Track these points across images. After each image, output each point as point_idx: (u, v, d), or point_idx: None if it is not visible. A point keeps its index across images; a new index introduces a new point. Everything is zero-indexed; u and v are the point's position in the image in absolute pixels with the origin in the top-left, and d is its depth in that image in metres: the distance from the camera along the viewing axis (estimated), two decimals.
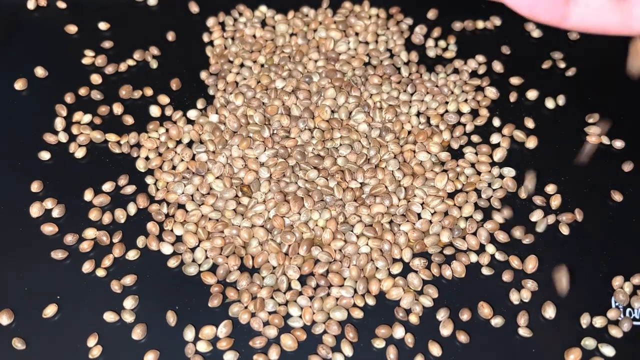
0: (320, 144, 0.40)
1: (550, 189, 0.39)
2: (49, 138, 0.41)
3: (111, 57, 0.45)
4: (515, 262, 0.36)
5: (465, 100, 0.43)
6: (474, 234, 0.37)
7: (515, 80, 0.44)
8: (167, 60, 0.45)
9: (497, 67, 0.44)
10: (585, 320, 0.34)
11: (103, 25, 0.46)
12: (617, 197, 0.38)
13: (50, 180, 0.39)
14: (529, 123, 0.42)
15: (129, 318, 0.34)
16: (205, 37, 0.46)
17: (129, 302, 0.35)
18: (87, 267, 0.36)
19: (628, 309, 0.35)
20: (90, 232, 0.37)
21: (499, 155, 0.40)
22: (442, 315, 0.34)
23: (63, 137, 0.41)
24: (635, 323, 0.34)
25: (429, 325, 0.34)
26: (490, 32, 0.47)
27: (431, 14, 0.47)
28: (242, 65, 0.44)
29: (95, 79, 0.44)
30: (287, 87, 0.42)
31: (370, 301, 0.35)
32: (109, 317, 0.34)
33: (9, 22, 0.47)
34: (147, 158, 0.40)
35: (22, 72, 0.44)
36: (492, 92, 0.43)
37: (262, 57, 0.45)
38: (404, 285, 0.36)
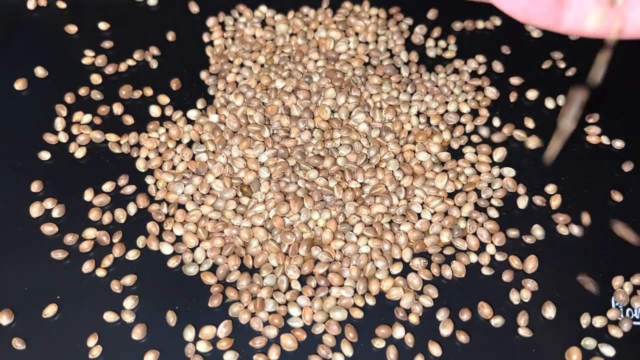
0: (320, 144, 0.40)
1: (550, 189, 0.39)
2: (49, 138, 0.41)
3: (111, 57, 0.45)
4: (515, 262, 0.36)
5: (465, 100, 0.43)
6: (474, 234, 0.37)
7: (515, 80, 0.44)
8: (167, 60, 0.45)
9: (497, 67, 0.44)
10: (585, 320, 0.34)
11: (103, 25, 0.46)
12: (617, 197, 0.38)
13: (50, 180, 0.39)
14: (529, 123, 0.42)
15: (129, 318, 0.34)
16: (205, 37, 0.46)
17: (129, 302, 0.35)
18: (87, 267, 0.36)
19: (628, 309, 0.35)
20: (90, 232, 0.37)
21: (499, 155, 0.40)
22: (442, 315, 0.34)
23: (63, 137, 0.41)
24: (635, 323, 0.34)
25: (429, 325, 0.34)
26: (490, 32, 0.47)
27: (431, 14, 0.47)
28: (242, 65, 0.44)
29: (95, 79, 0.44)
30: (287, 87, 0.42)
31: (370, 301, 0.35)
32: (109, 317, 0.34)
33: (9, 22, 0.47)
34: (147, 158, 0.40)
35: (22, 72, 0.44)
36: (492, 92, 0.43)
37: (262, 57, 0.45)
38: (404, 285, 0.36)
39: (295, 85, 0.42)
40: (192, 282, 0.36)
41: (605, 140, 0.41)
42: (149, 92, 0.43)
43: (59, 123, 0.41)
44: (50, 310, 0.34)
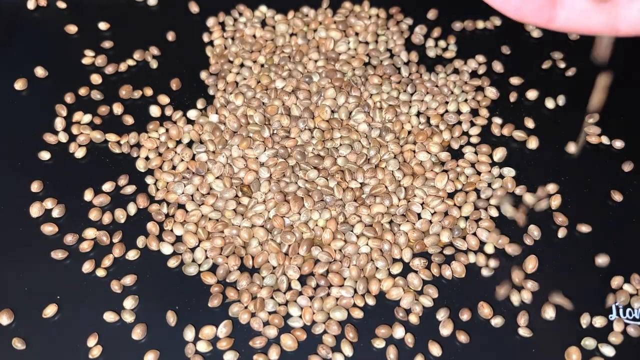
0: (320, 144, 0.40)
1: (550, 188, 0.39)
2: (49, 138, 0.41)
3: (111, 57, 0.45)
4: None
5: (465, 100, 0.43)
6: (474, 234, 0.37)
7: (515, 80, 0.44)
8: (167, 60, 0.45)
9: (497, 67, 0.44)
10: (585, 320, 0.34)
11: (103, 25, 0.46)
12: (617, 197, 0.38)
13: (50, 180, 0.39)
14: (529, 123, 0.42)
15: (129, 318, 0.34)
16: (205, 37, 0.46)
17: (129, 302, 0.35)
18: (87, 267, 0.36)
19: (628, 309, 0.35)
20: (90, 232, 0.37)
21: (499, 155, 0.40)
22: (442, 315, 0.34)
23: (63, 137, 0.41)
24: (634, 323, 0.34)
25: (429, 325, 0.34)
26: (490, 32, 0.47)
27: (431, 14, 0.47)
28: (242, 65, 0.44)
29: (95, 79, 0.44)
30: (287, 87, 0.42)
31: (370, 301, 0.35)
32: (109, 317, 0.34)
33: (9, 22, 0.47)
34: (147, 158, 0.40)
35: (22, 72, 0.44)
36: (492, 92, 0.43)
37: (262, 57, 0.45)
38: (404, 285, 0.36)
39: (295, 85, 0.42)
40: (192, 282, 0.36)
41: (605, 140, 0.41)
42: (149, 92, 0.43)
43: (59, 123, 0.41)
44: (50, 310, 0.34)
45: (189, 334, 0.34)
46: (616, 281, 0.35)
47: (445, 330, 0.34)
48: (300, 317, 0.34)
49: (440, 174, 0.39)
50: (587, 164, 0.40)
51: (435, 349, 0.33)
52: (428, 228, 0.37)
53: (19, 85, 0.43)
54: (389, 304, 0.35)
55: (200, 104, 0.43)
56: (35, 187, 0.39)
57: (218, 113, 0.42)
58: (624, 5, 0.23)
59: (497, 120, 0.42)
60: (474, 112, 0.42)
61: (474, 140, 0.41)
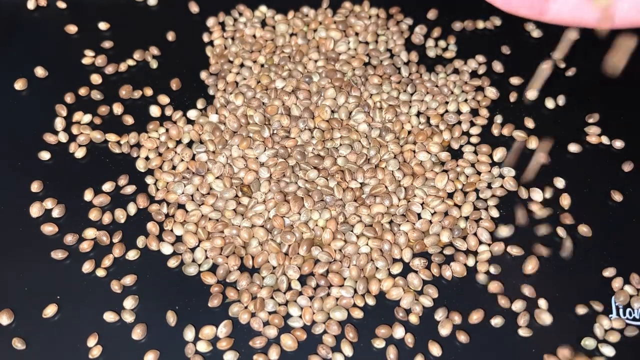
0: (320, 144, 0.40)
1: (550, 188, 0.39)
2: (49, 138, 0.41)
3: (111, 57, 0.45)
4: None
5: (465, 100, 0.43)
6: (474, 234, 0.37)
7: (515, 80, 0.44)
8: (167, 60, 0.45)
9: (497, 67, 0.44)
10: (584, 320, 0.34)
11: (103, 25, 0.46)
12: (617, 197, 0.38)
13: (50, 180, 0.39)
14: (529, 123, 0.42)
15: (129, 318, 0.34)
16: (205, 37, 0.46)
17: (129, 302, 0.35)
18: (87, 267, 0.36)
19: (628, 309, 0.35)
20: (90, 232, 0.37)
21: (499, 155, 0.40)
22: (441, 315, 0.34)
23: (63, 137, 0.41)
24: (635, 323, 0.34)
25: (429, 325, 0.34)
26: (490, 32, 0.47)
27: (431, 14, 0.47)
28: (242, 65, 0.44)
29: (95, 79, 0.44)
30: (287, 87, 0.42)
31: (370, 301, 0.35)
32: (109, 317, 0.34)
33: (9, 22, 0.47)
34: (147, 158, 0.40)
35: (22, 72, 0.44)
36: (492, 92, 0.43)
37: (262, 57, 0.45)
38: (404, 285, 0.36)
39: (295, 85, 0.42)
40: (192, 282, 0.36)
41: (605, 140, 0.41)
42: (149, 92, 0.43)
43: (59, 123, 0.41)
44: (50, 310, 0.34)
45: (189, 334, 0.34)
46: (616, 281, 0.35)
47: (444, 329, 0.34)
48: (300, 317, 0.34)
49: (440, 174, 0.39)
50: (587, 164, 0.40)
51: (435, 349, 0.33)
52: (428, 228, 0.37)
53: (19, 85, 0.43)
54: (389, 304, 0.35)
55: (200, 104, 0.43)
56: (35, 187, 0.39)
57: (218, 113, 0.42)
58: None
59: (497, 120, 0.42)
60: (474, 112, 0.42)
61: (474, 140, 0.41)
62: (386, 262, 0.36)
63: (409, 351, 0.34)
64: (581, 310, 0.34)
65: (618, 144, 0.41)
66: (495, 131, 0.41)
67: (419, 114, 0.42)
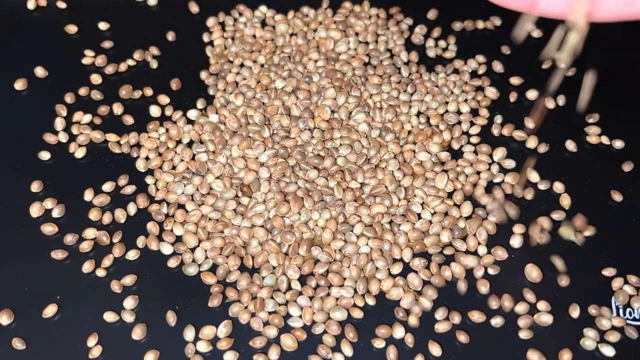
0: (320, 144, 0.40)
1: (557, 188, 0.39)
2: (49, 138, 0.41)
3: (111, 57, 0.45)
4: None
5: (465, 100, 0.43)
6: (474, 235, 0.37)
7: (515, 80, 0.44)
8: (167, 60, 0.45)
9: (497, 67, 0.44)
10: (584, 320, 0.34)
11: (103, 25, 0.46)
12: (617, 197, 0.38)
13: (50, 180, 0.39)
14: (529, 123, 0.42)
15: (129, 318, 0.34)
16: (205, 37, 0.46)
17: (129, 302, 0.35)
18: (87, 267, 0.36)
19: (628, 309, 0.35)
20: (90, 232, 0.37)
21: (499, 155, 0.40)
22: (440, 315, 0.34)
23: (63, 137, 0.41)
24: (634, 323, 0.34)
25: (429, 325, 0.34)
26: (490, 32, 0.47)
27: (431, 14, 0.47)
28: (242, 65, 0.44)
29: (95, 79, 0.44)
30: (287, 87, 0.42)
31: (370, 301, 0.35)
32: (109, 317, 0.34)
33: (9, 22, 0.47)
34: (147, 158, 0.40)
35: (22, 72, 0.44)
36: (492, 92, 0.43)
37: (262, 57, 0.45)
38: (404, 285, 0.36)
39: (295, 85, 0.42)
40: (192, 282, 0.36)
41: (605, 140, 0.41)
42: (149, 92, 0.43)
43: (59, 123, 0.41)
44: (50, 310, 0.34)
45: (189, 334, 0.34)
46: (616, 281, 0.35)
47: (442, 326, 0.34)
48: (300, 317, 0.34)
49: (440, 174, 0.39)
50: (587, 164, 0.40)
51: (435, 349, 0.33)
52: (428, 228, 0.37)
53: (19, 85, 0.43)
54: (389, 304, 0.35)
55: (200, 104, 0.43)
56: (35, 187, 0.39)
57: (218, 113, 0.42)
58: None
59: (497, 120, 0.42)
60: (474, 112, 0.42)
61: (474, 140, 0.41)
62: (386, 262, 0.36)
63: (409, 351, 0.34)
64: (581, 310, 0.34)
65: (618, 144, 0.41)
66: (495, 131, 0.41)
67: (419, 114, 0.42)
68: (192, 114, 0.42)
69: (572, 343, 0.34)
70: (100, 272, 0.36)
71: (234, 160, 0.39)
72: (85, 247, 0.37)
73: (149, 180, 0.39)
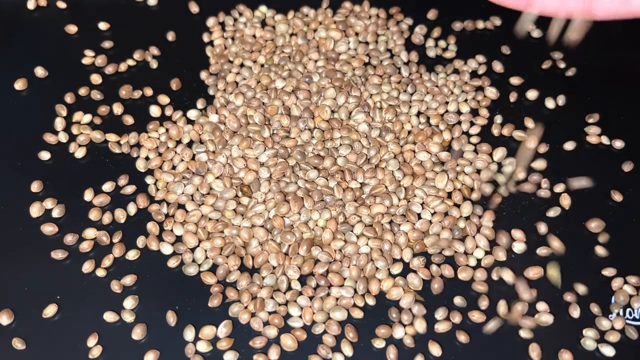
0: (320, 144, 0.40)
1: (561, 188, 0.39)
2: (49, 138, 0.41)
3: (111, 57, 0.45)
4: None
5: (465, 100, 0.43)
6: (474, 236, 0.37)
7: (515, 80, 0.44)
8: (167, 60, 0.45)
9: (497, 67, 0.44)
10: (585, 320, 0.34)
11: (103, 25, 0.46)
12: (617, 197, 0.38)
13: (50, 180, 0.39)
14: (529, 123, 0.42)
15: (129, 318, 0.34)
16: (205, 37, 0.46)
17: (129, 302, 0.35)
18: (87, 267, 0.36)
19: (628, 309, 0.35)
20: (90, 232, 0.37)
21: (499, 155, 0.40)
22: (440, 315, 0.34)
23: (63, 137, 0.41)
24: (634, 323, 0.34)
25: (429, 325, 0.34)
26: (490, 32, 0.47)
27: (431, 14, 0.47)
28: (242, 65, 0.44)
29: (95, 79, 0.44)
30: (287, 87, 0.42)
31: (370, 301, 0.35)
32: (109, 317, 0.34)
33: (9, 22, 0.47)
34: (147, 158, 0.40)
35: (22, 72, 0.44)
36: (492, 92, 0.43)
37: (262, 57, 0.45)
38: (404, 285, 0.36)
39: (295, 85, 0.42)
40: (192, 282, 0.36)
41: (605, 140, 0.41)
42: (149, 92, 0.43)
43: (59, 123, 0.41)
44: (50, 310, 0.34)
45: (189, 334, 0.34)
46: (616, 281, 0.35)
47: (442, 326, 0.34)
48: (300, 317, 0.34)
49: (440, 174, 0.39)
50: (587, 164, 0.40)
51: (435, 349, 0.33)
52: (428, 228, 0.37)
53: (19, 85, 0.43)
54: (389, 304, 0.35)
55: (200, 104, 0.43)
56: (35, 187, 0.39)
57: (218, 113, 0.42)
58: None
59: (497, 120, 0.42)
60: (474, 112, 0.42)
61: (474, 140, 0.41)
62: (386, 262, 0.36)
63: (409, 351, 0.34)
64: (581, 310, 0.34)
65: (618, 144, 0.41)
66: (495, 131, 0.41)
67: (419, 114, 0.42)
68: (192, 114, 0.42)
69: (572, 343, 0.34)
70: (100, 272, 0.36)
71: (234, 160, 0.39)
72: (85, 247, 0.37)
73: (149, 180, 0.39)
